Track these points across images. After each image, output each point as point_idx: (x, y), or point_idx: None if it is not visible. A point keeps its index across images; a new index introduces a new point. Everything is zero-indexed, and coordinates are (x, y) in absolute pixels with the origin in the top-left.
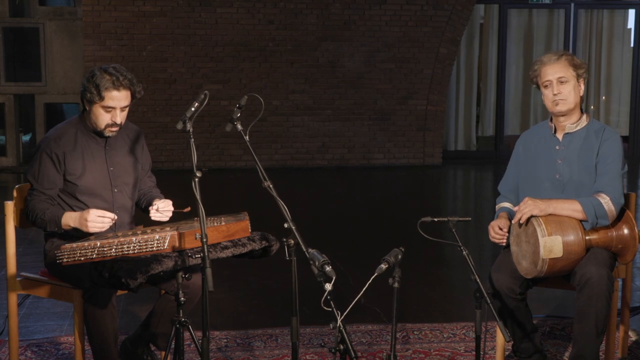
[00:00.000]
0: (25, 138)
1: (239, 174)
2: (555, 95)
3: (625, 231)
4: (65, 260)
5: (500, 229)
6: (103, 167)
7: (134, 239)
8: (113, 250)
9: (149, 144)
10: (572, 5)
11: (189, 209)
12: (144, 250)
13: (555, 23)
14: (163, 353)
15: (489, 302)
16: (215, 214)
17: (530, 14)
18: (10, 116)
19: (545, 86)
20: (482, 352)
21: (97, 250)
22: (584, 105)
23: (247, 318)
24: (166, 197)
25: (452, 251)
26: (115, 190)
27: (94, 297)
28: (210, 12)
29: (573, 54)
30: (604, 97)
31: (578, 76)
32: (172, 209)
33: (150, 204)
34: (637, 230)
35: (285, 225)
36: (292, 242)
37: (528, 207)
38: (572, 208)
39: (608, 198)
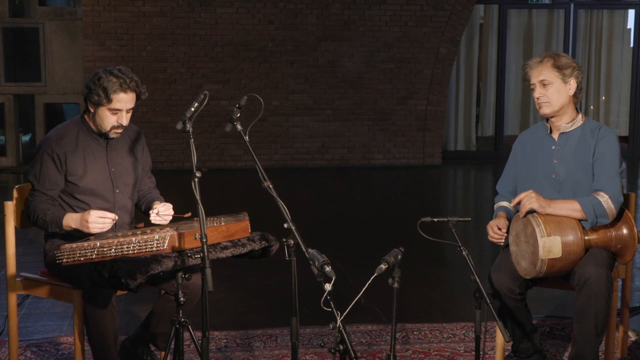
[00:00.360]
0: (25, 138)
1: (239, 174)
2: (537, 98)
3: (625, 231)
4: (65, 260)
5: (499, 229)
6: (104, 168)
7: (133, 239)
8: (113, 250)
9: (149, 144)
10: (572, 5)
11: (189, 214)
12: (143, 251)
13: (555, 23)
14: (163, 353)
15: (488, 302)
16: (215, 214)
17: (530, 14)
18: (10, 116)
19: (532, 89)
20: (481, 352)
21: (97, 251)
22: (581, 105)
23: (247, 318)
24: (166, 198)
25: (452, 251)
26: (117, 190)
27: (94, 297)
28: (210, 12)
29: (561, 54)
30: (603, 97)
31: (564, 76)
32: (172, 212)
33: (150, 207)
34: (636, 230)
35: (285, 226)
36: (292, 242)
37: (528, 200)
38: (571, 208)
39: (607, 196)
